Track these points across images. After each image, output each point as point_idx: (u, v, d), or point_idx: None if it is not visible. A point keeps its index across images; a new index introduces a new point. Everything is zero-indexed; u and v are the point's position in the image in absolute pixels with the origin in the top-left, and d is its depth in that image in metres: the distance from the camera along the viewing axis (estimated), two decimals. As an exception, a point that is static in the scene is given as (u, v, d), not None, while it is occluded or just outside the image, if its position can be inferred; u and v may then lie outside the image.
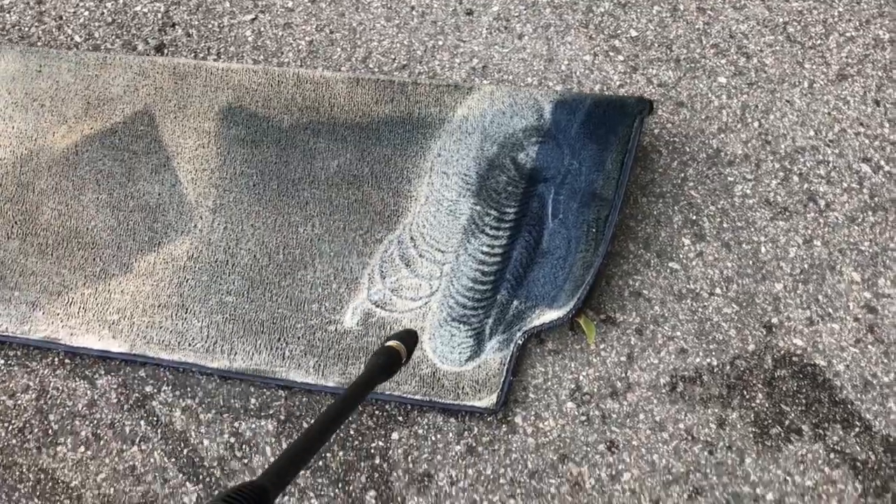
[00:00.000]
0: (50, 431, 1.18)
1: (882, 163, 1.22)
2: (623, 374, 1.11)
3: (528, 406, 1.11)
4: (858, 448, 1.05)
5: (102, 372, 1.21)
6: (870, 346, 1.10)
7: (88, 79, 1.35)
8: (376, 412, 1.13)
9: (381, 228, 1.21)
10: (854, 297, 1.13)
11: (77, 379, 1.21)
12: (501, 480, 1.07)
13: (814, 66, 1.31)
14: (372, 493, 1.09)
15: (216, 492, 1.10)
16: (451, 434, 1.11)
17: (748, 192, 1.22)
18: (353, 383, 0.85)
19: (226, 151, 1.27)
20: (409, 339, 0.93)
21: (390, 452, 1.11)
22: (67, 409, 1.19)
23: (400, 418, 1.13)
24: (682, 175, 1.24)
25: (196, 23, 1.47)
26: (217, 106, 1.30)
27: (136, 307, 1.20)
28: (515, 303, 1.13)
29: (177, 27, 1.46)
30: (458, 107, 1.25)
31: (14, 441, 1.18)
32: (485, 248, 1.16)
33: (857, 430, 1.06)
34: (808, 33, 1.35)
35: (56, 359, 1.22)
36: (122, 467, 1.15)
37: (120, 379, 1.20)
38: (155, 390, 1.19)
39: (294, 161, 1.25)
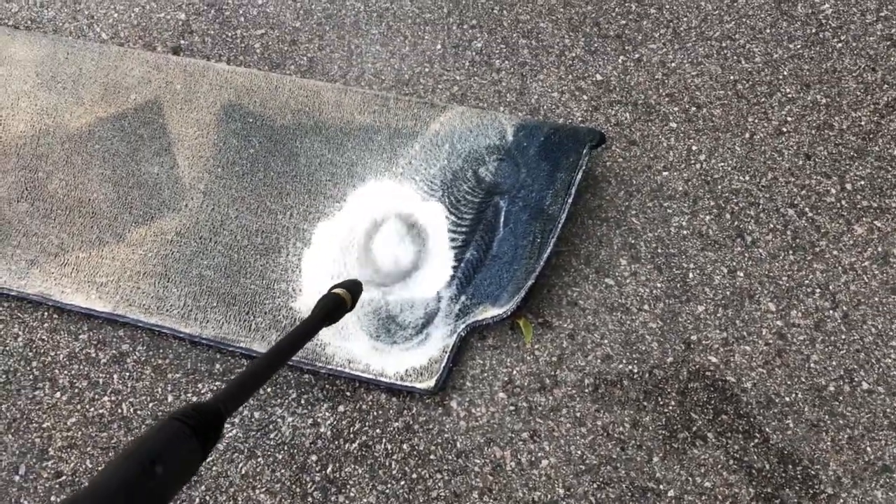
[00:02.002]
0: (31, 377, 1.29)
1: (807, 209, 1.35)
2: (552, 373, 1.22)
3: (464, 393, 1.22)
4: (755, 457, 1.15)
5: (86, 328, 1.32)
6: (776, 369, 1.21)
7: (108, 68, 1.50)
8: (327, 385, 1.24)
9: (351, 223, 1.33)
10: (767, 325, 1.24)
11: (62, 333, 1.32)
12: (432, 456, 1.18)
13: (756, 120, 1.45)
14: (314, 457, 1.19)
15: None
16: (391, 411, 1.22)
17: (684, 223, 1.34)
18: (301, 323, 0.91)
19: (221, 142, 1.41)
20: (355, 287, 1.01)
21: (335, 422, 1.21)
22: (50, 358, 1.30)
23: (348, 393, 1.24)
24: (627, 204, 1.37)
25: (212, 32, 1.63)
26: (219, 102, 1.45)
27: (123, 273, 1.32)
28: (463, 298, 1.25)
29: (194, 34, 1.62)
30: (431, 122, 1.39)
31: (-2, 382, 1.29)
32: (441, 249, 1.29)
33: (756, 441, 1.16)
34: (755, 91, 1.49)
35: (45, 313, 1.34)
36: (92, 414, 1.25)
37: (101, 336, 1.31)
38: (131, 349, 1.30)
39: (280, 157, 1.39)
